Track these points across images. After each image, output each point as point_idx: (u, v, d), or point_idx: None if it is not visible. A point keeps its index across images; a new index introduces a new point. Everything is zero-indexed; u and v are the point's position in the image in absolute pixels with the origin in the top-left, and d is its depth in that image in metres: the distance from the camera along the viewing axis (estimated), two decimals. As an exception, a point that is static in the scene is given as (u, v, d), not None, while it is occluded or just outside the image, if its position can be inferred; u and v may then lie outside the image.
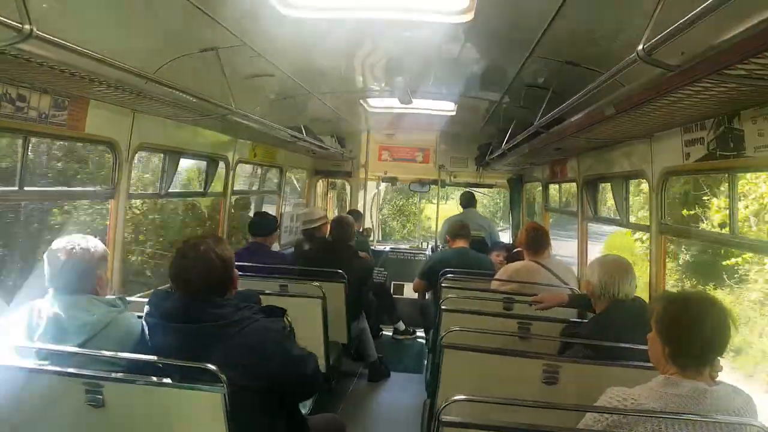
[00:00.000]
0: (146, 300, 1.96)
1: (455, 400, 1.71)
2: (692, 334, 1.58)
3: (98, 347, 1.88)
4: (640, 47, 1.36)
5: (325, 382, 3.42)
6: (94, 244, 2.07)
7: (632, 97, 1.77)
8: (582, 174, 4.16)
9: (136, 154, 3.15)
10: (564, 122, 2.66)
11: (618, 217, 3.70)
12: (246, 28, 2.56)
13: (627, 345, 2.18)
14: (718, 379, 1.64)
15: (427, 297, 5.10)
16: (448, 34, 2.72)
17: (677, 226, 3.08)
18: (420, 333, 6.09)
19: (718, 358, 1.63)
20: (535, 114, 3.06)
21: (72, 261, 1.98)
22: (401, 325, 6.29)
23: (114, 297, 2.15)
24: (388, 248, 7.33)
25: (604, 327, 2.45)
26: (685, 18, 1.19)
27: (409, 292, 6.49)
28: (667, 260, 3.12)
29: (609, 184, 3.83)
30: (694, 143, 2.42)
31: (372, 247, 6.81)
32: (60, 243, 2.01)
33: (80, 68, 1.98)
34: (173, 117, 3.18)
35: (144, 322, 1.93)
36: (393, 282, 6.68)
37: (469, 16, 2.40)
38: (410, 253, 7.18)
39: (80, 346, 1.89)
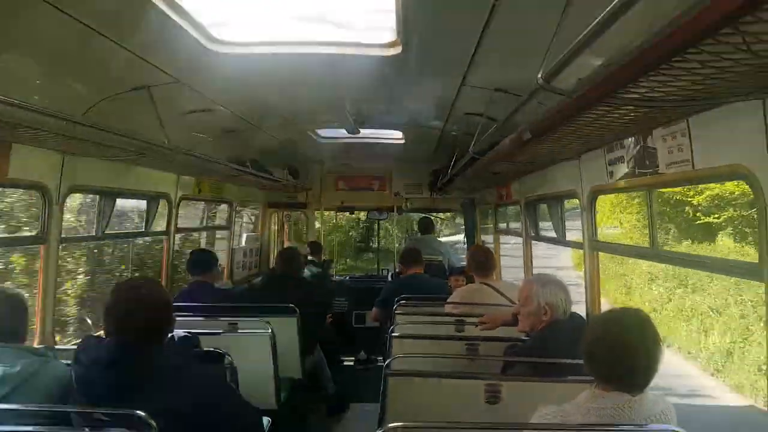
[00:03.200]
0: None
1: (390, 428, 1.70)
2: (604, 352, 1.63)
3: (22, 400, 1.81)
4: (539, 75, 1.44)
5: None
6: (10, 293, 2.06)
7: (543, 122, 1.86)
8: (524, 195, 4.29)
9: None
10: (494, 147, 2.75)
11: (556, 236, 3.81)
12: (176, 65, 2.56)
13: (566, 360, 2.22)
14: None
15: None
16: (381, 67, 2.79)
17: (606, 243, 3.21)
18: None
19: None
20: (474, 140, 3.16)
21: None
22: (363, 355, 6.25)
23: (42, 347, 2.13)
24: (347, 278, 7.29)
25: (544, 344, 2.48)
26: (571, 47, 1.27)
27: (369, 320, 6.46)
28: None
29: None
30: (616, 162, 2.54)
31: (332, 277, 6.76)
32: None
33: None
34: (106, 157, 3.11)
35: (71, 370, 1.84)
36: (354, 312, 6.63)
37: (398, 50, 2.47)
38: (371, 281, 7.17)
39: (2, 399, 1.82)
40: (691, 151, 1.90)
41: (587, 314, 2.95)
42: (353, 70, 2.90)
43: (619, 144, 2.48)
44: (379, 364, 5.97)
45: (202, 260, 4.16)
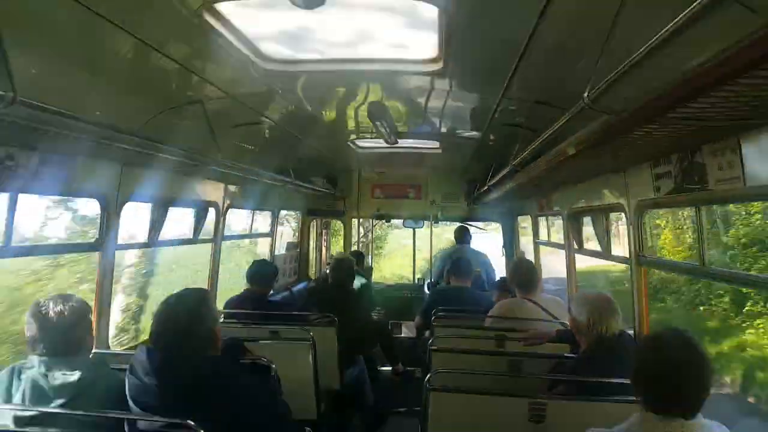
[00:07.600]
0: (131, 353, 1.96)
1: None
2: (651, 375, 1.60)
3: (80, 408, 1.86)
4: (585, 95, 1.44)
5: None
6: (72, 303, 2.03)
7: (589, 138, 1.84)
8: (566, 207, 4.21)
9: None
10: (536, 160, 2.73)
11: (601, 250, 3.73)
12: (229, 81, 2.67)
13: (614, 380, 2.16)
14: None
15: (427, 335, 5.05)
16: (422, 81, 2.84)
17: (655, 258, 3.11)
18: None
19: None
20: (514, 151, 3.14)
21: (48, 324, 1.95)
22: (400, 367, 6.19)
23: (96, 353, 2.16)
24: (383, 286, 7.29)
25: (591, 363, 2.44)
26: (620, 68, 1.27)
27: (406, 330, 6.42)
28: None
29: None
30: (663, 177, 2.48)
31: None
32: (36, 306, 1.99)
33: (66, 129, 2.03)
34: (162, 169, 3.24)
35: (126, 380, 1.92)
36: (390, 321, 6.60)
37: (439, 65, 2.51)
38: (406, 290, 7.14)
39: (61, 407, 1.87)
40: (742, 168, 1.85)
41: (635, 333, 2.88)
42: (394, 86, 2.96)
43: (665, 159, 2.43)
44: (417, 375, 5.95)
45: (264, 273, 4.16)
